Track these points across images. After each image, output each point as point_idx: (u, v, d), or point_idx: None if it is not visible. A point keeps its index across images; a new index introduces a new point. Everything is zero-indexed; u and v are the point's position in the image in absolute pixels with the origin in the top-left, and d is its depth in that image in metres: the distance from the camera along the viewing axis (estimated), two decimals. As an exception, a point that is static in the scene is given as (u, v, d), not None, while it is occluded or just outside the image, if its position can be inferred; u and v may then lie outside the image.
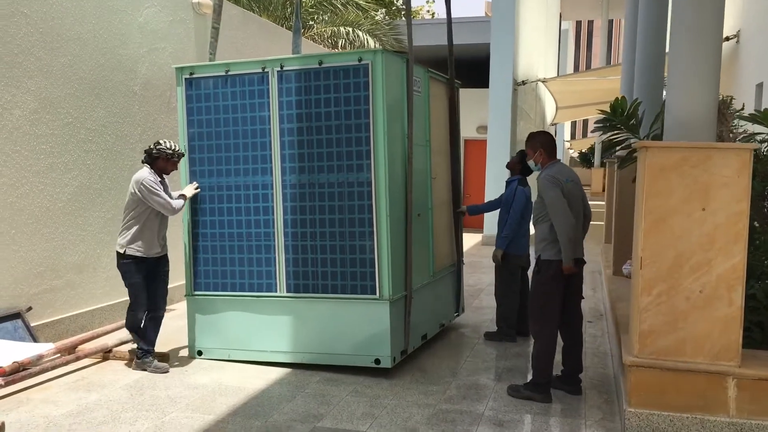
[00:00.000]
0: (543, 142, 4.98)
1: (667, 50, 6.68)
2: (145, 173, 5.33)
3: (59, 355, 5.51)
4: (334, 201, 5.33)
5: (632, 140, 6.24)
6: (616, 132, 6.12)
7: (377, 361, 5.26)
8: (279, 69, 5.40)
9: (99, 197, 6.62)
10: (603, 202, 27.59)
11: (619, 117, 5.91)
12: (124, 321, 5.53)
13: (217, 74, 5.57)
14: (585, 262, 5.00)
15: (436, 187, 6.31)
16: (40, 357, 5.27)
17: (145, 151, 5.44)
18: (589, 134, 61.27)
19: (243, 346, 5.64)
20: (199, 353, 5.78)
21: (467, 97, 17.55)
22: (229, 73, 5.53)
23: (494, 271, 6.69)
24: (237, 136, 5.55)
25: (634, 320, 4.21)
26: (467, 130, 17.07)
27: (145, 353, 5.42)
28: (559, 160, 5.05)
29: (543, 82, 18.57)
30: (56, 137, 6.08)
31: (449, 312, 6.78)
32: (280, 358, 5.54)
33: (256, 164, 5.54)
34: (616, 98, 6.10)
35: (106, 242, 6.70)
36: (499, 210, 6.59)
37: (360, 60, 5.18)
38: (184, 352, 5.90)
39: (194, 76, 5.65)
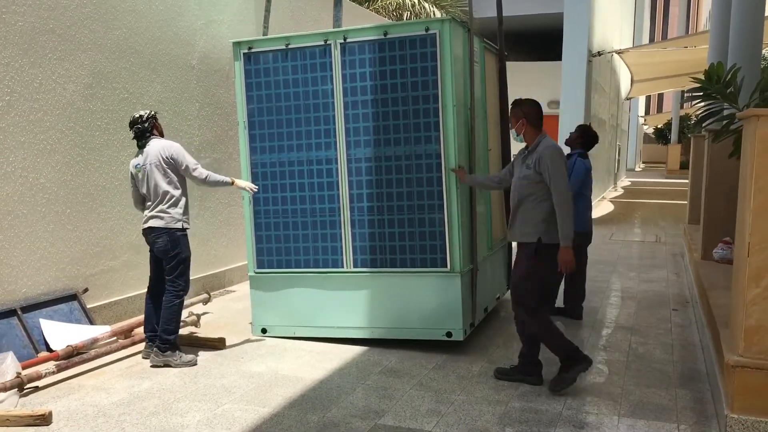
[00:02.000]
0: (527, 113, 4.54)
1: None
2: (167, 142, 5.01)
3: (115, 338, 5.36)
4: (402, 174, 5.23)
5: (727, 111, 5.62)
6: (711, 102, 5.53)
7: (449, 334, 5.20)
8: (342, 41, 5.25)
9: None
10: (680, 180, 26.52)
11: (715, 85, 5.33)
12: (170, 310, 4.98)
13: (277, 48, 5.44)
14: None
15: (492, 158, 6.24)
16: (95, 340, 5.13)
17: (143, 128, 4.99)
18: (664, 110, 58.84)
19: (308, 322, 5.56)
20: (264, 331, 5.69)
21: (537, 70, 16.98)
22: (290, 46, 5.40)
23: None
24: (299, 110, 5.43)
25: (738, 314, 3.69)
26: (538, 105, 16.35)
27: (170, 346, 4.97)
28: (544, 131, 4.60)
29: (618, 53, 17.65)
30: (111, 113, 5.89)
31: (502, 285, 6.66)
32: (348, 334, 5.46)
33: (320, 139, 5.41)
34: (712, 64, 5.50)
35: (164, 222, 6.52)
36: None
37: (427, 30, 5.06)
38: (241, 336, 5.66)
39: (253, 50, 5.51)
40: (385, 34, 5.16)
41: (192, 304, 6.28)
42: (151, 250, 5.10)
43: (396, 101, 5.17)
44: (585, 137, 6.31)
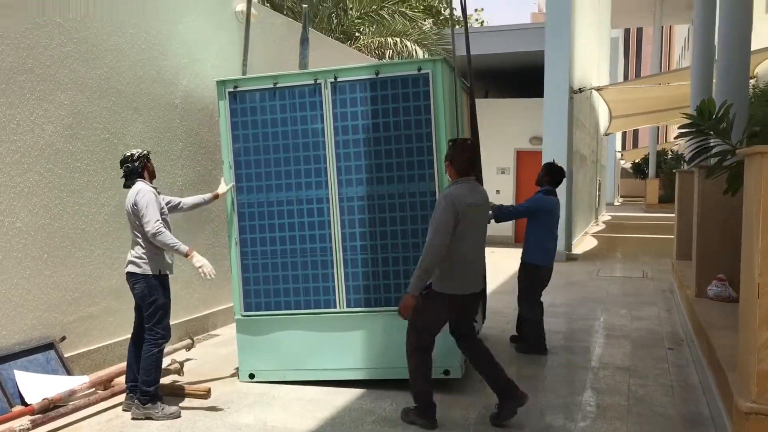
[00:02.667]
0: (452, 157, 4.49)
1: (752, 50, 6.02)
2: (142, 187, 4.80)
3: (94, 389, 5.09)
4: (396, 212, 5.20)
5: (720, 147, 5.58)
6: (703, 138, 5.48)
7: (446, 372, 5.13)
8: (333, 80, 5.25)
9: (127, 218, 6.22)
10: (660, 214, 26.70)
11: (707, 121, 5.27)
12: (148, 360, 4.71)
13: (265, 87, 5.39)
14: (481, 297, 4.62)
15: (481, 188, 6.01)
16: (73, 392, 4.86)
17: (132, 167, 4.83)
18: (640, 145, 59.75)
19: (299, 365, 5.40)
20: (251, 376, 5.49)
21: (519, 107, 17.01)
22: (278, 85, 5.35)
23: (518, 280, 6.55)
24: (287, 149, 5.36)
25: (749, 358, 3.56)
26: (519, 141, 16.42)
27: (151, 397, 4.69)
28: (473, 178, 4.53)
29: (598, 90, 17.82)
30: (92, 154, 5.71)
31: (480, 319, 6.47)
32: (341, 376, 5.32)
33: (310, 178, 5.34)
34: (703, 100, 5.47)
35: (145, 265, 6.30)
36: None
37: (419, 69, 5.09)
38: (227, 384, 5.42)
39: (239, 89, 5.45)
40: (377, 73, 5.17)
41: (175, 350, 6.04)
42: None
43: (389, 140, 5.15)
44: (551, 174, 6.42)
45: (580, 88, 14.59)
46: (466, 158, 4.46)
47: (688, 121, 5.58)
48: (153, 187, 4.87)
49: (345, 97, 5.22)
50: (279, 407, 4.92)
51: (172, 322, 6.20)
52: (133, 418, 4.65)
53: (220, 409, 4.86)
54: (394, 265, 5.18)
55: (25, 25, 5.07)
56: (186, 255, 4.75)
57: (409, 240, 5.14)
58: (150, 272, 4.74)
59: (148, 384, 4.67)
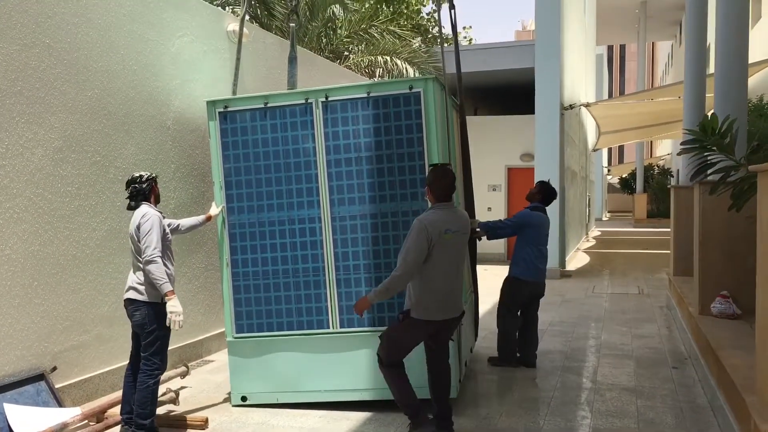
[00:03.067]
0: (432, 181, 4.48)
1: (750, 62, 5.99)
2: (148, 211, 4.68)
3: (86, 421, 4.91)
4: (388, 231, 5.18)
5: (723, 162, 5.52)
6: (707, 153, 5.41)
7: None
8: (324, 100, 5.24)
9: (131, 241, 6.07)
10: (649, 229, 26.73)
11: (710, 137, 5.21)
12: (144, 392, 4.58)
13: (255, 107, 5.38)
14: (457, 323, 4.61)
15: (460, 213, 5.97)
16: (65, 426, 4.69)
17: (140, 189, 4.73)
18: (626, 160, 60.08)
19: (292, 387, 5.33)
20: (244, 399, 5.41)
21: (509, 123, 17.01)
22: (268, 105, 5.34)
23: (499, 292, 6.57)
24: (279, 169, 5.34)
25: (768, 380, 3.46)
26: (510, 158, 16.40)
27: (147, 430, 4.53)
28: (451, 204, 4.51)
29: (586, 106, 17.86)
30: (83, 177, 5.56)
31: (472, 338, 6.53)
32: (335, 397, 5.26)
33: (302, 197, 5.32)
34: (706, 116, 5.41)
35: (138, 290, 6.13)
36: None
37: (411, 88, 5.08)
38: (223, 412, 5.25)
39: (229, 109, 5.43)
40: (369, 92, 5.16)
41: (169, 378, 5.84)
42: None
43: (381, 158, 5.13)
44: (544, 193, 6.48)
45: (570, 105, 14.59)
46: (444, 184, 4.43)
47: (690, 137, 5.52)
48: (158, 211, 4.74)
49: (336, 116, 5.20)
50: (279, 437, 4.76)
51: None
52: None
53: (219, 441, 4.69)
54: None
55: (13, 46, 4.94)
56: (165, 296, 4.55)
57: None
58: (151, 300, 4.59)
59: (143, 417, 4.51)
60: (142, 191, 4.73)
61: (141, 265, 4.60)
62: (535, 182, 6.84)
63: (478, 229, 6.02)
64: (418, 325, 4.38)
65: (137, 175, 4.78)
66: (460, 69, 6.26)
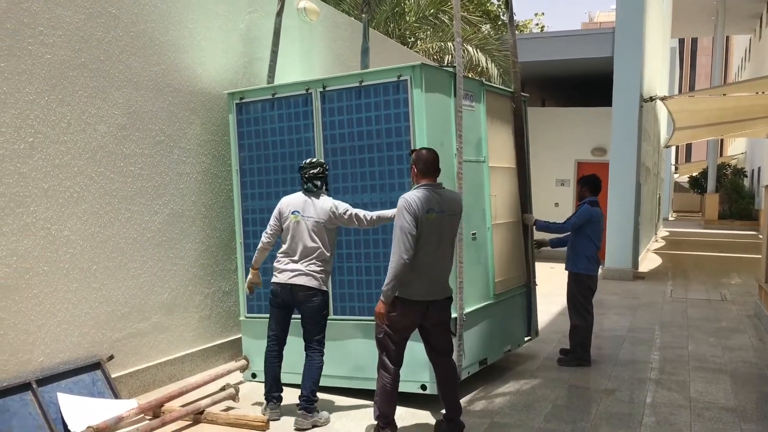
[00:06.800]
0: (417, 159, 4.37)
1: None
2: (336, 200, 4.86)
3: (142, 415, 4.63)
4: None
5: None
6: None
7: (423, 387, 4.98)
8: (322, 90, 5.29)
9: (193, 226, 5.79)
10: (721, 231, 25.49)
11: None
12: (319, 370, 4.80)
13: (265, 98, 5.56)
14: (446, 308, 4.42)
15: (497, 205, 5.92)
16: (120, 419, 4.40)
17: (325, 177, 4.86)
18: (693, 159, 57.80)
19: (291, 369, 5.19)
20: (254, 376, 5.66)
21: (580, 116, 16.27)
22: (276, 96, 5.50)
23: (566, 293, 6.55)
24: (284, 158, 5.49)
25: None
26: (581, 152, 15.69)
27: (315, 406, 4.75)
28: (439, 183, 4.37)
29: (662, 99, 16.96)
30: (146, 157, 5.28)
31: (517, 336, 6.31)
32: (331, 383, 5.27)
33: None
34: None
35: (199, 277, 5.85)
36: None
37: (399, 76, 4.99)
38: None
39: (244, 100, 5.64)
40: (361, 81, 5.14)
41: (228, 371, 5.55)
42: (278, 306, 4.83)
43: (371, 148, 5.12)
44: (589, 184, 6.43)
45: (651, 97, 13.79)
46: (426, 158, 4.34)
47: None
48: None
49: (333, 106, 5.25)
50: None
51: (223, 340, 5.94)
52: (299, 429, 4.61)
53: None
54: (376, 274, 5.09)
55: (78, 15, 4.66)
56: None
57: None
58: (325, 288, 4.80)
59: (315, 393, 4.72)
60: (326, 180, 4.86)
61: (322, 254, 4.73)
62: (578, 180, 6.81)
63: (530, 224, 6.30)
64: (405, 305, 4.24)
65: (323, 160, 4.94)
66: (517, 56, 6.13)
